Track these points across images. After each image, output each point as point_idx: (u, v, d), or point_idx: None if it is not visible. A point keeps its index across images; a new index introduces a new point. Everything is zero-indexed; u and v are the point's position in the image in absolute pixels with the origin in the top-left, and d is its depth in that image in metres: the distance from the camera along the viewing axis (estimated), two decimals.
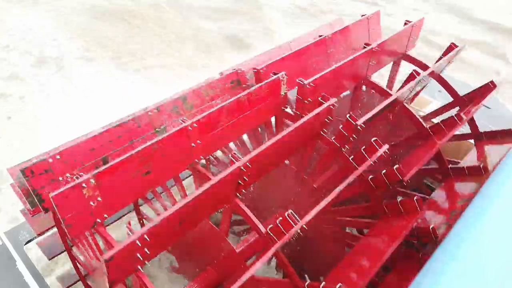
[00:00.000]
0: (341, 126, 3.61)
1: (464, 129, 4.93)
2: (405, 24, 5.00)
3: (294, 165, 4.14)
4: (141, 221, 5.30)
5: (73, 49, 11.47)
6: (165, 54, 11.61)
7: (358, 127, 3.56)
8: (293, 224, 2.90)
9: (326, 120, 3.76)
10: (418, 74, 4.39)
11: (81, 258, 3.95)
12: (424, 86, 5.26)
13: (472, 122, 4.80)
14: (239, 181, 3.13)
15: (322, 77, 3.96)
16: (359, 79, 4.69)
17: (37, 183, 2.86)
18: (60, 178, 2.92)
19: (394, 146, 4.35)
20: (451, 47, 4.91)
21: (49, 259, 4.61)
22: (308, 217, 3.01)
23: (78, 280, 4.64)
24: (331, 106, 3.69)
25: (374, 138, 3.54)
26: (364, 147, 3.54)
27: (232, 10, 14.27)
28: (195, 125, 3.14)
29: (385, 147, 3.54)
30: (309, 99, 3.85)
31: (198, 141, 3.23)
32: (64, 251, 4.31)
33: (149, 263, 2.78)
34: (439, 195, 4.20)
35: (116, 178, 2.78)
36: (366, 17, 5.19)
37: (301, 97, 3.87)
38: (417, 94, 5.38)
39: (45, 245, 4.58)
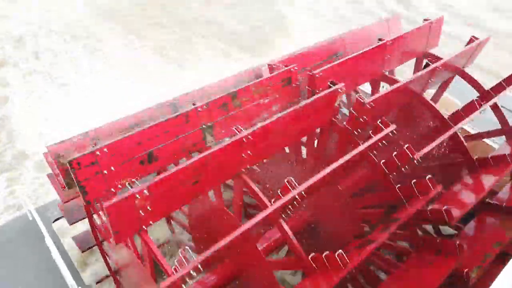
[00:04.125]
0: (394, 153, 3.49)
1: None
2: (471, 41, 4.74)
3: (311, 157, 4.13)
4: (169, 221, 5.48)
5: None
6: None
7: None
8: (290, 188, 2.96)
9: (380, 144, 3.59)
10: (480, 104, 4.20)
11: (99, 222, 4.08)
12: (447, 83, 4.98)
13: (501, 118, 4.58)
14: (243, 154, 3.16)
15: (332, 68, 3.91)
16: (375, 74, 4.60)
17: (83, 175, 2.91)
18: (105, 171, 2.97)
19: (415, 140, 4.23)
20: (471, 40, 4.69)
21: (70, 225, 4.74)
22: (306, 184, 3.00)
23: (109, 276, 4.79)
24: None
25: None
26: (414, 181, 3.40)
27: None
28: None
29: (392, 126, 3.48)
30: (320, 88, 3.79)
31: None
32: (95, 245, 4.49)
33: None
34: (460, 186, 4.03)
35: (168, 189, 2.82)
36: (429, 22, 4.93)
37: (311, 87, 3.86)
38: (441, 91, 5.15)
39: (68, 211, 4.71)
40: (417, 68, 5.15)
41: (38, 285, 4.44)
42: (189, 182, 2.95)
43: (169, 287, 2.44)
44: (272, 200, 2.97)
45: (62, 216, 4.93)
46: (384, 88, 4.93)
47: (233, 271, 3.58)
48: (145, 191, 2.64)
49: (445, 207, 3.27)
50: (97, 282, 5.22)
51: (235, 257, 3.56)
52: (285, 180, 3.01)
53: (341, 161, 3.17)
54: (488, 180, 3.90)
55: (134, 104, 4.58)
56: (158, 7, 13.62)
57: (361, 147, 3.32)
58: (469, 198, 3.72)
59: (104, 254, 4.64)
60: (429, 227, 4.82)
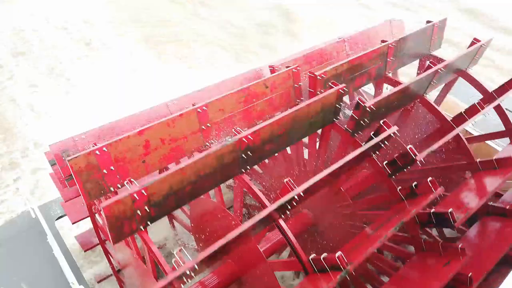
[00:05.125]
0: (396, 155, 3.48)
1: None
2: (472, 44, 4.73)
3: (313, 159, 4.13)
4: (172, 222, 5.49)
5: None
6: None
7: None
8: (290, 189, 2.96)
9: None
10: (482, 106, 4.18)
11: (101, 222, 4.09)
12: (450, 84, 5.01)
13: (505, 119, 4.56)
14: (243, 155, 3.16)
15: (334, 69, 3.90)
16: (377, 76, 4.59)
17: (83, 175, 2.89)
18: (105, 171, 2.95)
19: (418, 144, 4.24)
20: (473, 43, 4.67)
21: (73, 223, 4.74)
22: (306, 185, 2.98)
23: (98, 244, 4.78)
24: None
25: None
26: (415, 183, 3.40)
27: None
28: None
29: (394, 128, 3.45)
30: (321, 90, 3.81)
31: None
32: (98, 244, 4.52)
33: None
34: (464, 188, 4.02)
35: (166, 189, 2.81)
36: (432, 24, 4.92)
37: (312, 89, 3.86)
38: (444, 93, 5.15)
39: (71, 210, 4.71)
40: (420, 70, 5.15)
41: (40, 282, 4.45)
42: (189, 182, 2.94)
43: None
44: (272, 202, 2.97)
45: (65, 214, 4.95)
46: (388, 89, 4.92)
47: (234, 272, 3.59)
48: (143, 191, 2.63)
49: (450, 209, 3.25)
50: (99, 281, 5.24)
51: (236, 258, 3.57)
52: (284, 181, 3.01)
53: (341, 162, 3.16)
54: (492, 183, 3.87)
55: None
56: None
57: (362, 148, 3.31)
58: (473, 201, 3.69)
59: (107, 254, 4.66)
60: (433, 231, 4.81)
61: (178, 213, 5.22)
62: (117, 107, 8.12)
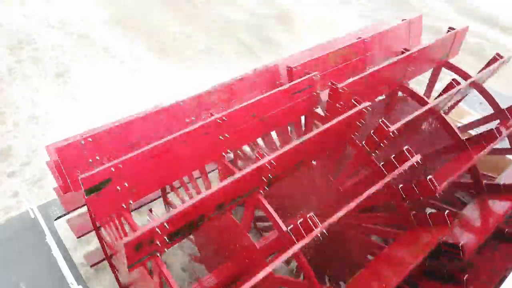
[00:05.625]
0: (372, 131, 3.50)
1: (503, 143, 4.70)
2: (449, 30, 4.80)
3: (322, 167, 4.07)
4: (168, 207, 5.43)
5: None
6: None
7: (391, 133, 3.43)
8: (313, 227, 2.89)
9: (358, 123, 3.65)
10: (458, 83, 4.20)
11: (108, 239, 4.08)
12: (463, 97, 5.04)
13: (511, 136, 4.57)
14: (263, 178, 3.11)
15: (356, 82, 3.82)
16: (395, 85, 4.53)
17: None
18: (90, 160, 3.00)
19: (427, 156, 4.20)
20: (495, 58, 4.68)
21: (78, 237, 4.77)
22: (329, 222, 2.96)
23: (104, 259, 4.79)
24: (364, 110, 3.55)
25: (406, 147, 3.41)
26: (394, 155, 3.42)
27: None
28: (273, 162, 3.04)
29: (417, 157, 3.40)
30: (341, 102, 3.74)
31: (270, 175, 3.15)
32: (92, 230, 4.48)
33: (171, 249, 2.82)
34: (471, 211, 4.03)
35: (142, 166, 2.81)
36: (408, 20, 5.01)
37: (332, 101, 3.78)
38: (456, 104, 5.17)
39: (75, 224, 4.76)
40: (434, 76, 5.11)
41: (39, 282, 4.44)
42: (165, 161, 2.92)
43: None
44: (289, 228, 2.95)
45: (64, 214, 4.94)
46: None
47: (233, 273, 3.59)
48: (166, 225, 2.57)
49: (429, 176, 3.29)
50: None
51: (234, 258, 3.57)
52: (307, 216, 2.93)
53: (365, 195, 3.15)
54: (500, 208, 3.91)
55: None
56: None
57: (386, 179, 3.31)
58: (455, 168, 3.78)
59: (113, 269, 4.65)
60: None
61: (174, 200, 5.20)
62: (117, 107, 8.17)
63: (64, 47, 11.06)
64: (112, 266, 4.72)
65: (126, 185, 2.75)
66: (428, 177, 3.28)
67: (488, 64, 4.68)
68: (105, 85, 9.74)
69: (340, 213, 3.03)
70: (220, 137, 3.24)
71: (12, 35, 11.37)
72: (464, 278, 3.31)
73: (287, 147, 3.10)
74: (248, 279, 3.47)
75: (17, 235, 4.84)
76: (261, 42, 11.94)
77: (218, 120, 3.14)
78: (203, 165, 3.47)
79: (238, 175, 2.86)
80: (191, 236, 4.67)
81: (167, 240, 2.68)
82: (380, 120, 3.42)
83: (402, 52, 4.31)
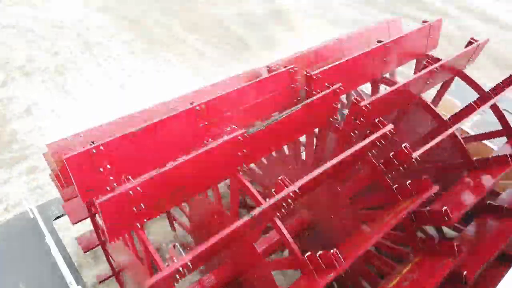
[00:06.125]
0: (392, 153, 3.45)
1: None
2: (470, 43, 4.69)
3: (309, 158, 4.13)
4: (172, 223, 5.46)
5: None
6: None
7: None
8: (284, 186, 2.93)
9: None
10: (478, 106, 4.18)
11: (102, 224, 4.09)
12: (446, 85, 4.97)
13: (502, 119, 4.56)
14: (239, 153, 3.14)
15: (329, 69, 3.89)
16: (373, 75, 4.58)
17: (80, 174, 2.87)
18: (101, 169, 2.96)
19: (414, 143, 4.22)
20: (470, 42, 4.66)
21: (73, 224, 4.72)
22: (300, 182, 2.96)
23: (98, 244, 4.77)
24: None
25: (425, 177, 3.38)
26: (410, 181, 3.39)
27: None
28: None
29: (390, 126, 3.44)
30: (317, 90, 3.78)
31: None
32: (98, 245, 4.53)
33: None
34: (459, 187, 4.00)
35: (162, 186, 2.81)
36: (428, 24, 4.91)
37: (308, 88, 3.86)
38: (441, 94, 5.09)
39: (71, 210, 4.69)
40: (417, 70, 5.14)
41: (38, 282, 4.45)
42: (184, 180, 2.94)
43: (156, 284, 2.38)
44: (267, 200, 2.95)
45: (63, 214, 4.94)
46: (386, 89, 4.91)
47: (232, 272, 3.59)
48: (138, 188, 2.63)
49: (444, 207, 3.25)
50: (100, 282, 5.23)
51: (234, 258, 3.57)
52: (279, 178, 2.99)
53: (336, 159, 3.15)
54: (488, 180, 3.90)
55: None
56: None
57: (357, 146, 3.30)
58: (468, 198, 3.72)
59: (107, 254, 4.65)
60: (432, 232, 4.80)
61: (178, 214, 5.22)
62: (117, 107, 8.18)
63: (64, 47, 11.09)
64: (106, 253, 4.68)
65: (143, 206, 2.74)
66: (444, 208, 3.25)
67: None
68: (103, 85, 9.76)
69: (312, 174, 3.02)
70: (239, 153, 3.22)
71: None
72: (455, 245, 3.32)
73: (310, 176, 3.07)
74: (247, 279, 3.50)
75: (16, 235, 4.84)
76: (261, 42, 11.96)
77: (240, 138, 3.11)
78: (221, 180, 3.44)
79: (213, 144, 2.94)
80: (191, 239, 4.69)
81: (144, 207, 2.72)
82: (403, 145, 3.37)
83: (423, 64, 4.29)
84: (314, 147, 4.17)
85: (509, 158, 4.00)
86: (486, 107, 4.28)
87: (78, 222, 4.67)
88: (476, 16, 13.84)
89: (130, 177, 2.81)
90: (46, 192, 6.85)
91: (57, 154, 3.35)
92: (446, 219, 3.25)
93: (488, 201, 4.16)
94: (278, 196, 2.87)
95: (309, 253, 2.91)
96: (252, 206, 5.20)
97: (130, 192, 2.60)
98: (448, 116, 4.27)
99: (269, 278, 3.16)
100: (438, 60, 4.40)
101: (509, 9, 14.34)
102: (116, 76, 10.18)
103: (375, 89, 4.99)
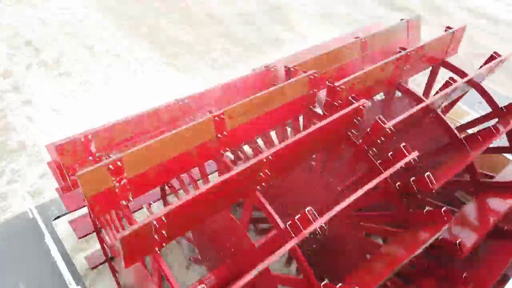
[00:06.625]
0: (369, 129, 3.49)
1: (502, 142, 4.71)
2: (446, 30, 4.79)
3: (320, 167, 4.07)
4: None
5: None
6: None
7: (387, 130, 3.43)
8: (312, 220, 2.89)
9: (355, 121, 3.63)
10: (498, 130, 4.18)
11: (109, 240, 4.07)
12: (461, 95, 5.04)
13: (511, 135, 4.57)
14: (261, 174, 3.10)
15: (353, 80, 3.82)
16: (392, 84, 4.53)
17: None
18: (90, 158, 2.97)
19: (425, 155, 4.19)
20: (492, 57, 4.67)
21: (79, 239, 4.76)
22: (327, 217, 2.95)
23: (105, 261, 4.78)
24: (361, 107, 3.52)
25: (403, 144, 3.41)
26: (391, 152, 3.41)
27: None
28: (270, 157, 3.02)
29: (414, 154, 3.40)
30: (339, 101, 3.74)
31: (267, 171, 3.14)
32: (93, 232, 4.47)
33: (170, 251, 2.80)
34: (470, 210, 4.03)
35: (184, 214, 2.75)
36: (406, 20, 5.00)
37: (330, 99, 3.77)
38: (454, 103, 5.17)
39: (76, 225, 4.74)
40: (432, 75, 5.08)
41: (38, 283, 4.44)
42: (206, 206, 2.90)
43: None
44: (288, 224, 2.93)
45: (63, 214, 4.94)
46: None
47: (232, 272, 3.58)
48: (163, 218, 2.53)
49: (458, 240, 3.24)
50: (93, 268, 5.19)
51: (234, 258, 3.56)
52: (306, 210, 2.92)
53: (362, 191, 3.13)
54: (475, 153, 3.93)
55: None
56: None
57: (383, 175, 3.30)
58: (455, 167, 3.77)
59: (114, 272, 4.63)
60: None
61: None
62: (118, 106, 8.18)
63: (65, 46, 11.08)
64: (113, 269, 4.70)
65: (125, 181, 2.71)
66: (426, 174, 3.27)
67: (486, 62, 4.68)
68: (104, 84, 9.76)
69: (338, 208, 3.01)
70: (219, 135, 3.22)
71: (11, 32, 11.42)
72: (463, 276, 3.30)
73: (284, 143, 3.10)
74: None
75: (16, 236, 4.83)
76: (262, 43, 11.94)
77: (216, 118, 3.12)
78: (203, 162, 3.45)
79: (236, 170, 2.84)
80: (191, 237, 4.68)
81: (166, 235, 2.65)
82: (376, 117, 3.41)
83: (399, 51, 4.31)
84: (324, 158, 4.08)
85: (493, 129, 4.02)
86: (463, 83, 4.22)
87: (84, 237, 4.70)
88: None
89: (152, 202, 2.74)
90: (45, 191, 6.85)
91: (57, 157, 3.31)
92: (430, 184, 3.29)
93: (483, 179, 4.19)
94: (307, 232, 2.85)
95: (326, 281, 2.91)
96: (258, 218, 5.19)
97: (155, 222, 2.50)
98: (455, 121, 4.26)
99: (269, 278, 3.15)
100: (456, 68, 4.39)
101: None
102: (116, 75, 10.16)
103: (388, 95, 4.90)
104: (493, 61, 4.59)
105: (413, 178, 3.40)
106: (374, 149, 3.62)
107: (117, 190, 2.75)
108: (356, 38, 4.65)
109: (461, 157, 3.98)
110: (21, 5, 12.94)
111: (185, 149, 3.06)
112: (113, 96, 9.30)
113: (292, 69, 4.02)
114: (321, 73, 4.10)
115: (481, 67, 4.66)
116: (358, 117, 3.64)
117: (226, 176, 2.79)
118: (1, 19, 12.12)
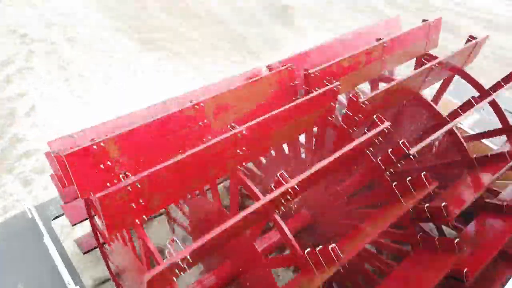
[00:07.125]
0: (390, 150, 3.42)
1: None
2: (468, 40, 4.60)
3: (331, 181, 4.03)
4: (171, 222, 5.42)
5: None
6: None
7: (411, 156, 3.39)
8: (283, 182, 2.90)
9: (376, 141, 3.53)
10: (476, 101, 4.17)
11: (100, 226, 4.07)
12: (447, 83, 4.91)
13: None
14: (238, 150, 3.13)
15: (378, 96, 3.73)
16: (412, 95, 4.43)
17: (79, 171, 2.83)
18: (102, 166, 2.93)
19: (434, 169, 4.20)
20: (468, 40, 4.55)
21: (72, 225, 4.72)
22: (300, 177, 2.92)
23: (96, 247, 4.75)
24: (385, 129, 3.47)
25: (424, 173, 3.37)
26: (409, 178, 3.37)
27: None
28: (245, 132, 3.07)
29: (435, 184, 3.38)
30: (360, 115, 3.67)
31: (244, 148, 3.17)
32: (86, 219, 4.43)
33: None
34: (472, 232, 3.98)
35: (160, 182, 2.77)
36: (428, 23, 4.85)
37: (351, 113, 3.68)
38: (441, 92, 5.10)
39: (69, 210, 4.66)
40: (445, 83, 5.00)
41: (37, 283, 4.43)
42: (183, 176, 2.91)
43: (155, 278, 2.32)
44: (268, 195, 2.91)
45: (61, 214, 4.92)
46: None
47: (232, 272, 3.57)
48: (138, 184, 2.60)
49: (443, 203, 3.25)
50: (98, 284, 5.21)
51: (234, 258, 3.55)
52: (277, 174, 2.96)
53: (334, 155, 3.12)
54: (487, 178, 3.89)
55: None
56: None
57: (355, 143, 3.27)
58: (468, 195, 3.70)
59: (105, 257, 4.62)
60: (434, 233, 4.78)
61: (178, 215, 5.19)
62: (118, 105, 8.17)
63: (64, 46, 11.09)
64: (105, 255, 4.65)
65: (142, 202, 2.70)
66: (442, 204, 3.24)
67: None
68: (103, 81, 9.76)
69: (311, 170, 2.95)
70: (239, 151, 3.18)
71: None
72: (455, 242, 3.30)
73: (258, 119, 3.14)
74: (246, 279, 3.47)
75: (14, 236, 4.82)
76: (261, 43, 11.94)
77: (239, 135, 3.07)
78: (220, 177, 3.41)
79: (213, 141, 2.90)
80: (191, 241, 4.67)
81: (143, 204, 2.69)
82: (401, 142, 3.34)
83: (422, 62, 4.24)
84: (313, 146, 4.15)
85: (507, 155, 3.99)
86: (484, 104, 4.25)
87: (77, 223, 4.67)
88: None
89: (130, 174, 2.78)
90: (44, 191, 6.84)
91: (58, 152, 3.34)
92: (445, 215, 3.24)
93: (487, 199, 4.14)
94: (277, 192, 2.83)
95: (308, 249, 2.89)
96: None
97: (129, 188, 2.57)
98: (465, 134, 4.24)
99: (269, 277, 3.13)
100: (436, 58, 4.37)
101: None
102: (116, 75, 10.17)
103: (374, 88, 4.97)
104: (468, 43, 4.50)
105: (428, 205, 3.37)
106: (355, 128, 3.66)
107: (133, 211, 2.73)
108: (377, 40, 4.52)
109: (474, 184, 3.94)
110: (21, 5, 12.97)
111: (202, 165, 3.03)
112: (113, 96, 9.30)
113: (312, 74, 3.91)
114: (301, 67, 4.08)
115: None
116: (334, 100, 3.73)
117: (204, 145, 2.86)
118: (1, 19, 12.14)
